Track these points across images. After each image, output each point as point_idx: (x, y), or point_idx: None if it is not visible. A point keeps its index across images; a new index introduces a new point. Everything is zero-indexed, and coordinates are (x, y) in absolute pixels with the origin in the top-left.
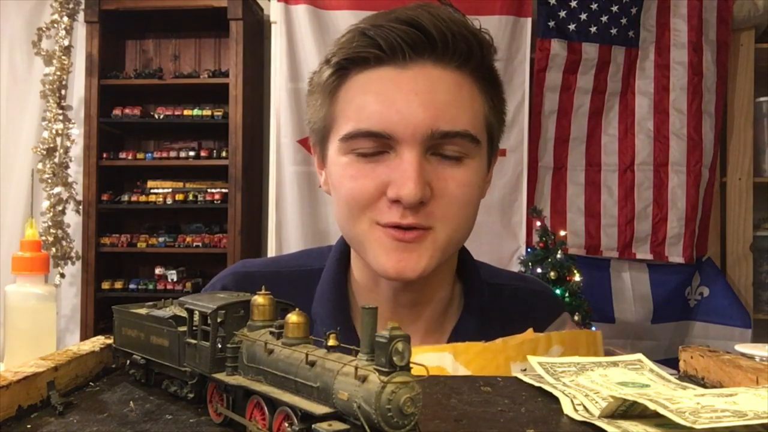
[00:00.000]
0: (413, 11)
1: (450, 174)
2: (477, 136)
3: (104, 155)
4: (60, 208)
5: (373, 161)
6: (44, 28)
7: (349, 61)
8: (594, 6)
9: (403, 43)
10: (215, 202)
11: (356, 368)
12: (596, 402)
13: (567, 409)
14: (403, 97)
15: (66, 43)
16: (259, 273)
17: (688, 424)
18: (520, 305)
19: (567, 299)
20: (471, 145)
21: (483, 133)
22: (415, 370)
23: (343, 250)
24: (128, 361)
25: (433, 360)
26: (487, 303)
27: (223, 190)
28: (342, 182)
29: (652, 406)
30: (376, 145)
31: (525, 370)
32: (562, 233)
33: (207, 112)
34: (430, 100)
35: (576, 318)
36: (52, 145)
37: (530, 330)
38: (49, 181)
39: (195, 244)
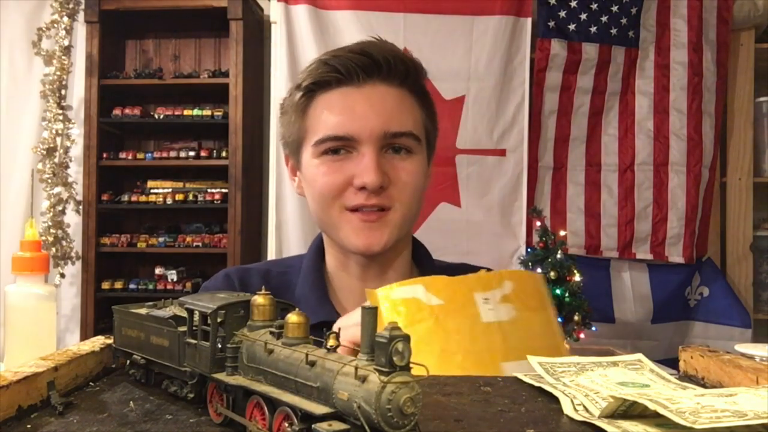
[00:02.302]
0: (363, 45)
1: (401, 165)
2: (419, 136)
3: (104, 155)
4: (60, 208)
5: (340, 160)
6: (44, 28)
7: (316, 84)
8: (594, 6)
9: (357, 67)
10: (215, 202)
11: (356, 368)
12: (596, 402)
13: (567, 409)
14: (360, 107)
15: (66, 43)
16: (254, 269)
17: (688, 424)
18: None
19: (567, 299)
20: (415, 143)
21: (422, 135)
22: (416, 370)
23: (318, 243)
24: (128, 361)
25: (407, 292)
26: None
27: (223, 190)
28: (316, 178)
29: (652, 406)
30: (341, 145)
31: (487, 299)
32: (562, 233)
33: (207, 112)
34: (381, 109)
35: (576, 318)
36: (52, 145)
37: (483, 269)
38: (49, 181)
39: (195, 244)
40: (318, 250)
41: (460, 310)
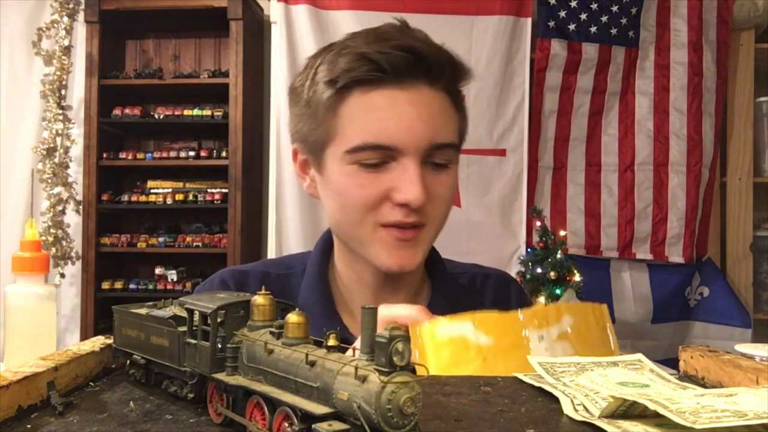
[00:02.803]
0: (408, 39)
1: (439, 179)
2: (458, 145)
3: (104, 155)
4: (60, 208)
5: (377, 171)
6: (44, 28)
7: (354, 82)
8: (594, 6)
9: (406, 68)
10: (215, 202)
11: (356, 368)
12: (596, 402)
13: (567, 409)
14: (407, 115)
15: (66, 43)
16: (251, 271)
17: (688, 424)
18: (476, 288)
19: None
20: (454, 154)
21: (458, 142)
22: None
23: (324, 248)
24: (128, 361)
25: (454, 330)
26: (450, 287)
27: (223, 190)
28: (348, 190)
29: (652, 406)
30: (381, 156)
31: (542, 337)
32: (562, 233)
33: (207, 112)
34: (428, 117)
35: None
36: (52, 145)
37: (540, 302)
38: (49, 181)
39: (195, 244)
40: (323, 254)
41: (510, 349)
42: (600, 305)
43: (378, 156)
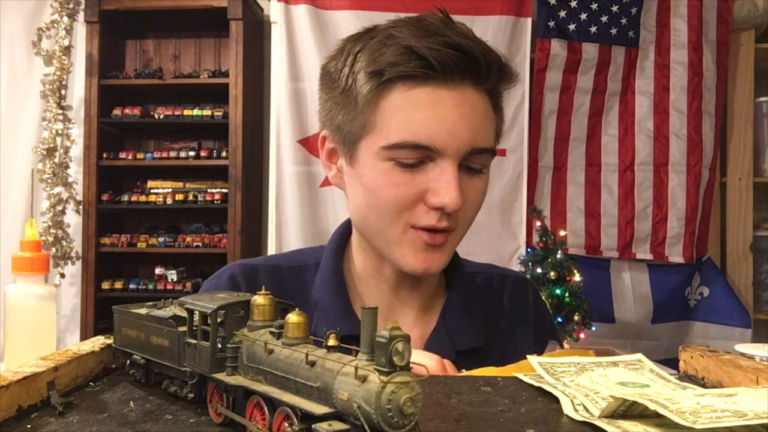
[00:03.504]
0: (456, 37)
1: (473, 184)
2: (495, 150)
3: (104, 155)
4: (60, 208)
5: (412, 171)
6: (44, 28)
7: (398, 77)
8: (594, 6)
9: (455, 66)
10: (215, 202)
11: (356, 368)
12: (596, 402)
13: (567, 409)
14: (451, 116)
15: (66, 43)
16: (261, 266)
17: (688, 424)
18: (493, 288)
19: (567, 299)
20: (490, 159)
21: (495, 146)
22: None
23: (339, 241)
24: (128, 361)
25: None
26: (467, 287)
27: (223, 190)
28: (382, 187)
29: (652, 406)
30: (419, 156)
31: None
32: (562, 233)
33: (207, 112)
34: (471, 120)
35: (576, 318)
36: (52, 145)
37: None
38: (49, 181)
39: (195, 244)
40: (338, 248)
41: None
42: (587, 352)
43: (416, 156)
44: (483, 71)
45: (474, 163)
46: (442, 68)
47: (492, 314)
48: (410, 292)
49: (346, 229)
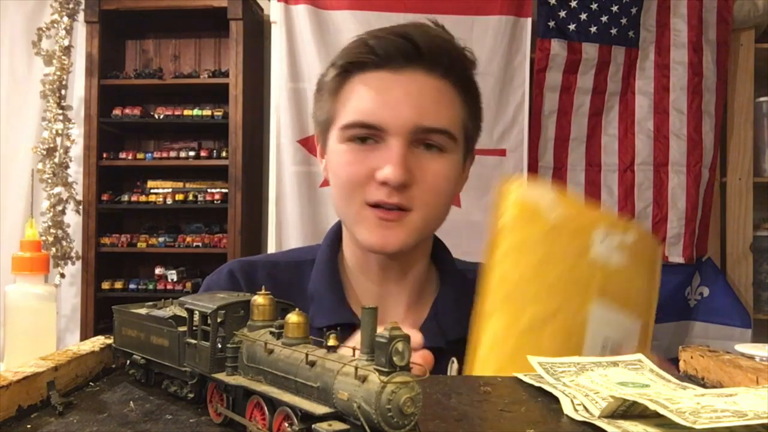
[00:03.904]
0: (408, 27)
1: (429, 165)
2: (455, 134)
3: (104, 155)
4: (60, 208)
5: (365, 150)
6: (44, 28)
7: (352, 65)
8: (594, 6)
9: (397, 52)
10: (215, 202)
11: (356, 368)
12: (596, 402)
13: (567, 409)
14: (394, 96)
15: (66, 43)
16: (260, 262)
17: (688, 424)
18: None
19: None
20: (450, 142)
21: (460, 134)
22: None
23: (334, 237)
24: (128, 361)
25: (535, 195)
26: (458, 281)
27: (223, 190)
28: (339, 167)
29: (652, 406)
30: (367, 133)
31: (603, 240)
32: None
33: (207, 112)
34: (417, 101)
35: None
36: (52, 145)
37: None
38: (49, 181)
39: (195, 244)
40: (333, 243)
41: (573, 235)
42: (657, 242)
43: (365, 134)
44: (428, 57)
45: (432, 141)
46: (386, 54)
47: None
48: (397, 283)
49: (341, 224)
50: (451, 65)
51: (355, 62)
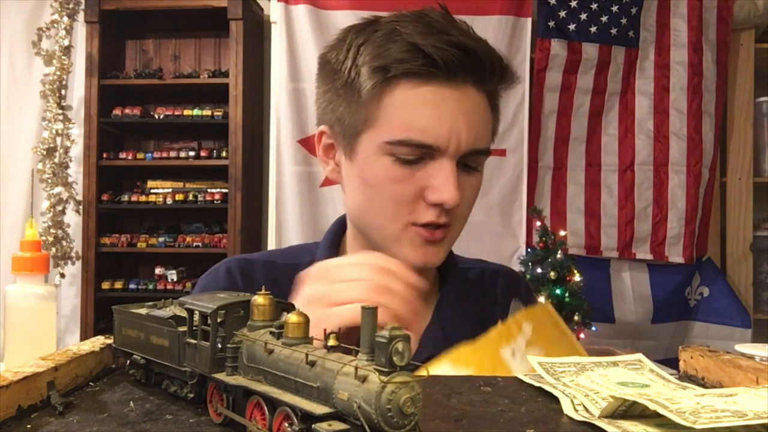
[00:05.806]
0: (463, 36)
1: (468, 181)
2: (490, 151)
3: (104, 155)
4: (60, 208)
5: (412, 167)
6: (44, 28)
7: (403, 73)
8: (594, 6)
9: (459, 66)
10: (215, 202)
11: (356, 368)
12: (596, 402)
13: (567, 409)
14: (451, 114)
15: (66, 43)
16: (257, 260)
17: (688, 424)
18: (485, 282)
19: (567, 299)
20: (485, 159)
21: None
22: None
23: (334, 238)
24: (128, 361)
25: (438, 373)
26: (460, 281)
27: (223, 190)
28: (383, 183)
29: (652, 406)
30: (420, 153)
31: (514, 352)
32: (562, 233)
33: (207, 112)
34: (471, 120)
35: (576, 318)
36: (52, 145)
37: (499, 322)
38: (49, 181)
39: (195, 244)
40: (333, 244)
41: (492, 374)
42: (545, 306)
43: (417, 153)
44: (486, 72)
45: (469, 161)
46: (446, 67)
47: (485, 308)
48: None
49: (341, 225)
50: (501, 80)
51: (408, 72)
